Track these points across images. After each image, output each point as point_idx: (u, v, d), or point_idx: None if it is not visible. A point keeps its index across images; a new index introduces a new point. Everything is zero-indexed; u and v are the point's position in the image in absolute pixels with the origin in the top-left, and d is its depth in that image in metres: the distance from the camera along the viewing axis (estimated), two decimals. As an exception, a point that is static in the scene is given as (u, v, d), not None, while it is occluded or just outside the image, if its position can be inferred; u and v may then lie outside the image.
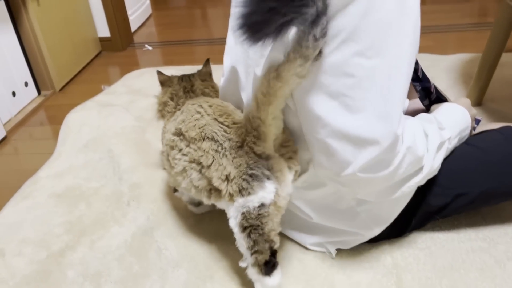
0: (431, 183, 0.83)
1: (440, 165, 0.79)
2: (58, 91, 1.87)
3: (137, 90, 1.78)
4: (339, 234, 0.88)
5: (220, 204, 0.79)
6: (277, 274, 0.77)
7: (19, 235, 1.05)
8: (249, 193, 0.71)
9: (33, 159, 1.40)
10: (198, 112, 0.82)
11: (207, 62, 0.99)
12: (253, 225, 0.72)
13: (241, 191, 0.71)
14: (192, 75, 0.97)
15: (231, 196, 0.73)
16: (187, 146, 0.79)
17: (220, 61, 0.99)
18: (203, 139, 0.76)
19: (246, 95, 0.81)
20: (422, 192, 0.84)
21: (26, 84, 1.75)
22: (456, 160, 0.85)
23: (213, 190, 0.76)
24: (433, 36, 2.06)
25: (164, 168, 0.92)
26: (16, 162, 1.42)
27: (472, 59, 1.74)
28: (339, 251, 0.91)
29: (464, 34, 2.08)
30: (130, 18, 2.42)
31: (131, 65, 2.08)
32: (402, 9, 0.62)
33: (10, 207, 1.16)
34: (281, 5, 0.56)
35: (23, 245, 1.02)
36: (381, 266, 0.88)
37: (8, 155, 1.46)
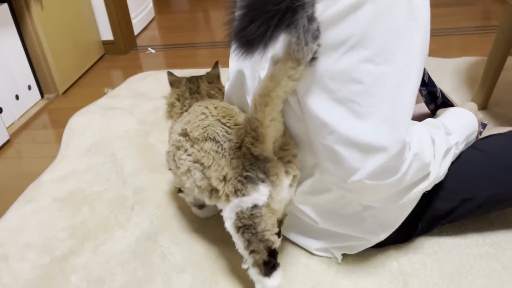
0: (437, 187, 0.82)
1: (447, 171, 0.79)
2: (61, 95, 1.87)
3: (140, 93, 1.78)
4: (345, 239, 0.88)
5: (219, 205, 0.79)
6: (277, 276, 0.77)
7: (23, 240, 1.05)
8: (243, 194, 0.72)
9: (36, 163, 1.39)
10: (203, 113, 0.83)
11: (215, 65, 0.99)
12: (246, 224, 0.73)
13: (236, 192, 0.72)
14: (200, 77, 0.97)
15: (227, 196, 0.74)
16: (192, 146, 0.80)
17: (223, 64, 0.99)
18: (206, 140, 0.78)
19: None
20: (428, 196, 0.83)
21: (29, 88, 1.75)
22: (463, 164, 0.85)
23: (214, 191, 0.77)
24: (436, 39, 2.05)
25: (170, 169, 0.92)
26: (19, 165, 1.42)
27: (477, 62, 1.73)
28: (344, 256, 0.90)
29: (468, 37, 2.08)
30: (133, 21, 2.42)
31: (134, 69, 2.08)
32: (411, 15, 0.62)
33: (13, 211, 1.16)
34: (268, 14, 0.56)
35: (26, 249, 1.02)
36: (387, 272, 0.87)
37: (11, 158, 1.46)
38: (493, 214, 0.97)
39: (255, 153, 0.72)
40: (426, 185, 0.75)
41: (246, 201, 0.72)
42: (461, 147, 0.84)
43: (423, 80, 0.94)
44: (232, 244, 0.79)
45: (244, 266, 0.78)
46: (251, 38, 0.57)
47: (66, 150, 1.42)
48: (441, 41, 2.04)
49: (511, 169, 0.85)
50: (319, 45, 0.62)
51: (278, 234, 0.88)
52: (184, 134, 0.83)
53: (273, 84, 0.66)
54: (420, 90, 0.96)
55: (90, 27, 2.15)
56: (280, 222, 0.87)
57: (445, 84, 1.57)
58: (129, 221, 1.07)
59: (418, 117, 0.89)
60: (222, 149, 0.75)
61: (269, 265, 0.76)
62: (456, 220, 0.91)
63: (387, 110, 0.64)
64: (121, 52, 2.27)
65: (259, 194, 0.72)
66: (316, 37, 0.61)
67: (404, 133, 0.65)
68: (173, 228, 1.04)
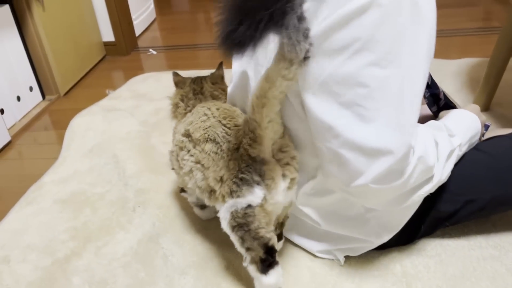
0: (440, 189, 0.82)
1: (450, 173, 0.78)
2: (63, 96, 1.87)
3: (141, 94, 1.78)
4: (348, 241, 0.87)
5: (217, 206, 0.80)
6: (274, 274, 0.77)
7: (24, 242, 1.04)
8: (238, 196, 0.72)
9: (38, 164, 1.39)
10: (205, 115, 0.84)
11: (220, 66, 0.99)
12: (239, 223, 0.74)
13: (232, 193, 0.73)
14: (205, 77, 0.98)
15: (223, 197, 0.75)
16: (194, 147, 0.81)
17: (227, 65, 0.98)
18: (206, 141, 0.78)
19: None
20: (431, 198, 0.83)
21: (30, 89, 1.75)
22: (466, 166, 0.84)
23: (212, 192, 0.78)
24: (437, 40, 2.01)
25: (173, 168, 0.93)
26: (20, 167, 1.42)
27: (478, 63, 1.73)
28: (347, 258, 0.90)
29: (469, 38, 2.08)
30: (135, 22, 2.42)
31: (136, 70, 2.08)
32: (417, 19, 0.62)
33: (14, 213, 1.16)
34: (257, 16, 0.56)
35: (27, 251, 1.01)
36: (390, 274, 0.86)
37: (13, 160, 1.45)
38: (496, 216, 0.96)
39: (253, 154, 0.72)
40: (430, 188, 0.75)
41: (241, 202, 0.73)
42: (464, 149, 0.84)
43: (425, 82, 0.94)
44: (234, 246, 0.79)
45: (244, 264, 0.79)
46: (241, 40, 0.57)
47: (67, 151, 1.42)
48: (442, 42, 2.04)
49: (514, 171, 0.85)
50: (310, 44, 0.62)
51: (280, 236, 0.88)
52: (187, 134, 0.84)
53: (269, 84, 0.67)
54: (422, 92, 0.95)
55: (92, 28, 2.15)
56: (281, 224, 0.87)
57: (447, 86, 1.57)
58: (131, 222, 1.07)
59: (421, 119, 0.88)
60: (221, 150, 0.76)
61: (266, 263, 0.76)
62: (459, 222, 0.91)
63: (392, 113, 0.64)
64: (122, 53, 2.27)
65: (254, 197, 0.72)
66: (306, 36, 0.61)
67: (410, 136, 0.65)
68: (175, 229, 1.03)
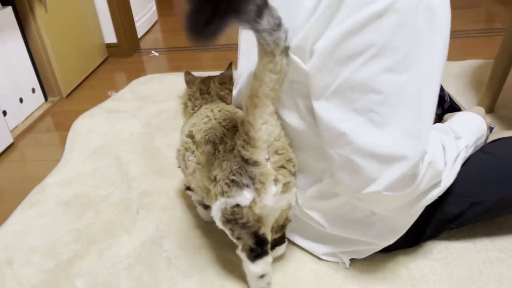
0: (446, 191, 0.81)
1: (456, 175, 0.78)
2: (65, 97, 1.87)
3: (144, 96, 1.78)
4: (353, 243, 0.87)
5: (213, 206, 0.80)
6: (261, 263, 0.79)
7: (27, 244, 1.04)
8: (228, 196, 0.73)
9: (41, 166, 1.39)
10: (207, 116, 0.84)
11: (229, 66, 0.99)
12: (228, 219, 0.75)
13: (223, 193, 0.74)
14: (213, 77, 0.98)
15: (215, 196, 0.76)
16: (196, 149, 0.82)
17: (234, 66, 0.98)
18: (207, 143, 0.79)
19: None
20: (437, 200, 0.82)
21: (33, 90, 1.75)
22: (472, 168, 0.84)
23: (208, 191, 0.78)
24: None
25: (179, 167, 0.93)
26: (23, 168, 1.42)
27: (481, 65, 1.72)
28: (352, 261, 0.89)
29: (471, 40, 2.07)
30: (137, 24, 2.42)
31: (138, 71, 2.08)
32: (433, 24, 0.61)
33: (17, 215, 1.15)
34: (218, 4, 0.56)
35: (31, 253, 1.01)
36: (395, 278, 0.86)
37: (15, 161, 1.45)
38: (502, 218, 0.96)
39: (245, 156, 0.72)
40: (438, 192, 0.74)
41: (230, 202, 0.73)
42: (470, 151, 0.84)
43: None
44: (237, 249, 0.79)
45: (237, 251, 0.81)
46: (201, 28, 0.57)
47: (70, 153, 1.41)
48: (445, 44, 2.03)
49: (520, 173, 0.84)
50: (286, 31, 0.63)
51: (282, 239, 0.88)
52: (191, 136, 0.84)
53: (258, 82, 0.68)
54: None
55: (94, 30, 2.15)
56: (282, 227, 0.86)
57: (450, 88, 1.56)
58: (134, 225, 1.07)
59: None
60: (218, 151, 0.76)
61: (254, 253, 0.78)
62: (464, 224, 0.91)
63: (407, 119, 0.63)
64: (124, 55, 2.27)
65: (242, 198, 0.72)
66: (278, 24, 0.62)
67: (425, 143, 0.64)
68: (179, 232, 1.03)
